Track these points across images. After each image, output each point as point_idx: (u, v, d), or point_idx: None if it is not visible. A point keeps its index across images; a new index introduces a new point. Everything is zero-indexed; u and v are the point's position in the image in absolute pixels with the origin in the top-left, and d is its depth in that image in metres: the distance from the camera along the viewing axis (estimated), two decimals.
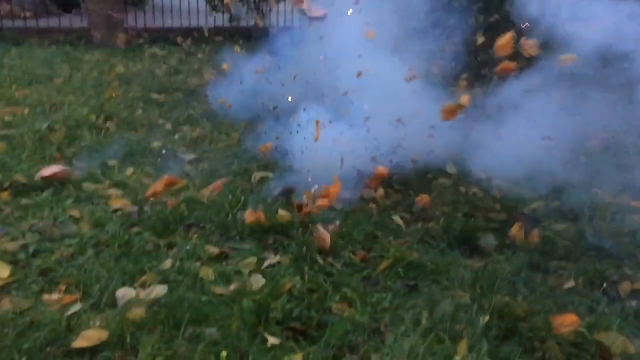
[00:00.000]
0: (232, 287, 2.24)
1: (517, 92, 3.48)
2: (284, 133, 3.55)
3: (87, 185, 3.18)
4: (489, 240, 2.66)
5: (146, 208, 2.93)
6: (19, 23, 8.05)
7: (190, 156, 3.75)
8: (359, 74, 3.35)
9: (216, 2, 8.49)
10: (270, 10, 8.86)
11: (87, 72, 6.01)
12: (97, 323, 2.00)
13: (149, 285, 2.23)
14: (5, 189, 3.04)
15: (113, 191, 3.14)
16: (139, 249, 2.51)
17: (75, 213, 2.83)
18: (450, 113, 3.08)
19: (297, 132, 3.35)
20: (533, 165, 3.33)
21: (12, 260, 2.40)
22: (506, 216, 2.94)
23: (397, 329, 2.03)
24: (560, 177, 3.34)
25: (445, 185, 3.35)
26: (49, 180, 3.12)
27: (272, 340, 1.95)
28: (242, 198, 2.99)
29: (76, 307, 2.09)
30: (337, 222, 2.78)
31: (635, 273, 2.47)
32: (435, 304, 2.17)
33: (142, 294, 2.18)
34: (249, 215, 2.77)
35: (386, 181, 3.28)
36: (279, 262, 2.43)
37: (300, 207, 2.82)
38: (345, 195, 3.04)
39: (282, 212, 2.83)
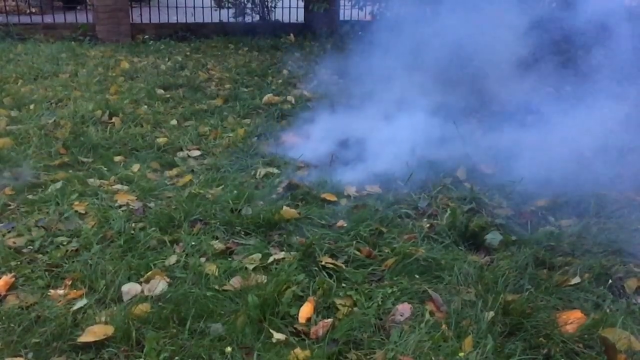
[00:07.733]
0: (237, 282, 2.24)
1: None
2: None
3: (93, 181, 3.19)
4: (494, 237, 2.65)
5: (151, 204, 2.93)
6: (24, 19, 8.07)
7: (195, 152, 3.75)
8: None
9: None
10: (275, 5, 8.85)
11: (93, 68, 6.01)
12: (103, 318, 2.01)
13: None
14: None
15: (118, 187, 3.15)
16: (144, 244, 2.51)
17: (81, 208, 2.83)
18: None
19: None
20: None
21: (18, 255, 2.41)
22: (512, 212, 2.93)
23: (402, 325, 2.02)
24: None
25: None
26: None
27: (277, 335, 1.96)
28: (247, 194, 2.99)
29: (82, 303, 2.10)
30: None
31: None
32: (440, 300, 2.17)
33: (147, 289, 2.18)
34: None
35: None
36: (283, 258, 2.43)
37: None
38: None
39: (287, 208, 2.83)
